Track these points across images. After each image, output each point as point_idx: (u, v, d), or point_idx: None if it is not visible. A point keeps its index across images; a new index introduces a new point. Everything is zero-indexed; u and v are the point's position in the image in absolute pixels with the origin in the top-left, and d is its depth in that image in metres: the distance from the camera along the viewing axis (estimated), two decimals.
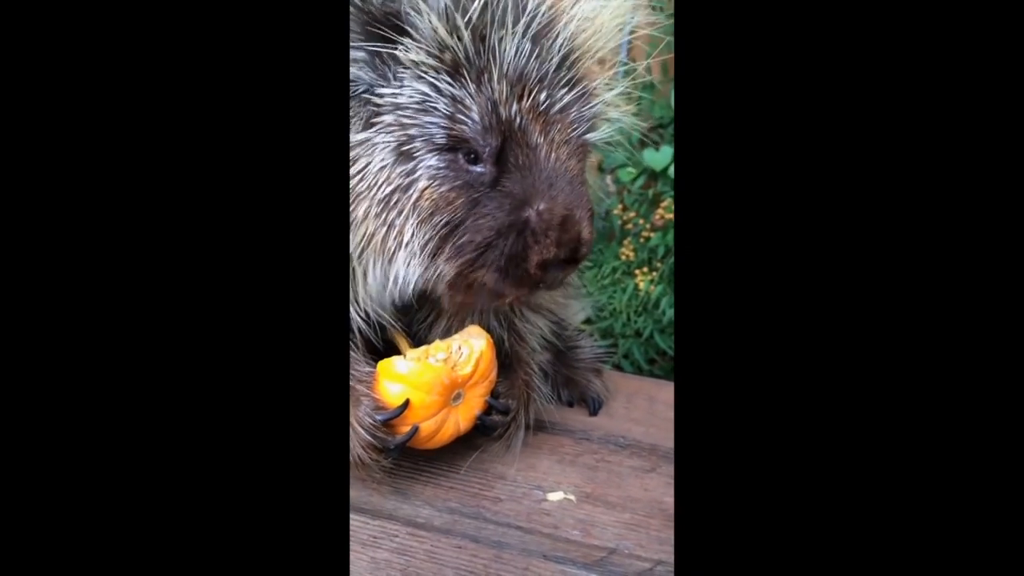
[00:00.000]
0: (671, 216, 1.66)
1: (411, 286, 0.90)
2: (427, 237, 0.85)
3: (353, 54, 0.82)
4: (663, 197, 1.69)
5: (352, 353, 0.93)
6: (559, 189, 0.82)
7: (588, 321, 1.58)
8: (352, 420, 0.90)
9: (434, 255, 0.86)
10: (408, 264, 0.87)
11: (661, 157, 1.67)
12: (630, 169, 1.70)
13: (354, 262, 0.89)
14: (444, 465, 1.04)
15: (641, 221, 1.70)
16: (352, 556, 0.88)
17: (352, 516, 0.94)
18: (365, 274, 0.90)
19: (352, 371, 0.92)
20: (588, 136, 0.88)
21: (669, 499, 0.99)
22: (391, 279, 0.89)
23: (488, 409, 0.99)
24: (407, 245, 0.85)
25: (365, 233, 0.86)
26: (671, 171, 1.64)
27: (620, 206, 1.71)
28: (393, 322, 0.97)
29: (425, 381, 0.92)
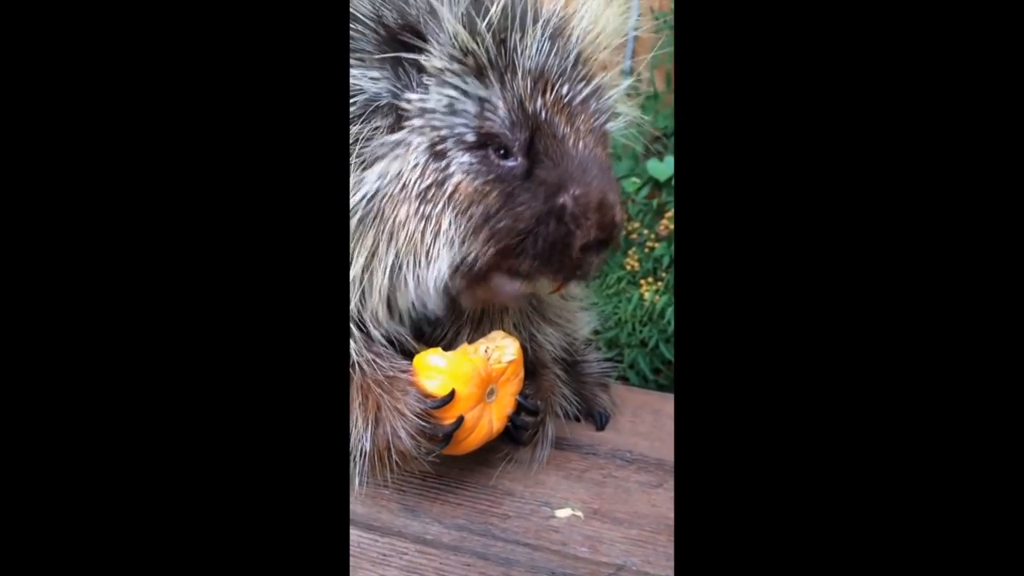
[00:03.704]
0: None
1: (446, 278, 0.89)
2: (463, 227, 0.86)
3: (371, 72, 0.85)
4: (667, 207, 1.69)
5: (387, 349, 0.94)
6: (592, 175, 0.85)
7: (594, 331, 1.59)
8: (401, 408, 0.90)
9: (472, 239, 0.87)
10: (446, 251, 0.87)
11: (665, 167, 1.68)
12: (634, 179, 1.71)
13: (383, 279, 0.90)
14: (453, 482, 1.05)
15: (646, 231, 1.71)
16: (362, 574, 0.89)
17: (362, 534, 0.95)
18: (406, 282, 0.90)
19: (392, 364, 0.93)
20: (609, 126, 0.92)
21: None
22: (427, 277, 0.89)
23: (518, 409, 0.99)
24: (445, 233, 0.87)
25: (405, 235, 0.87)
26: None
27: (624, 216, 1.71)
28: (413, 341, 0.98)
29: (464, 372, 0.92)
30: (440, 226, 0.86)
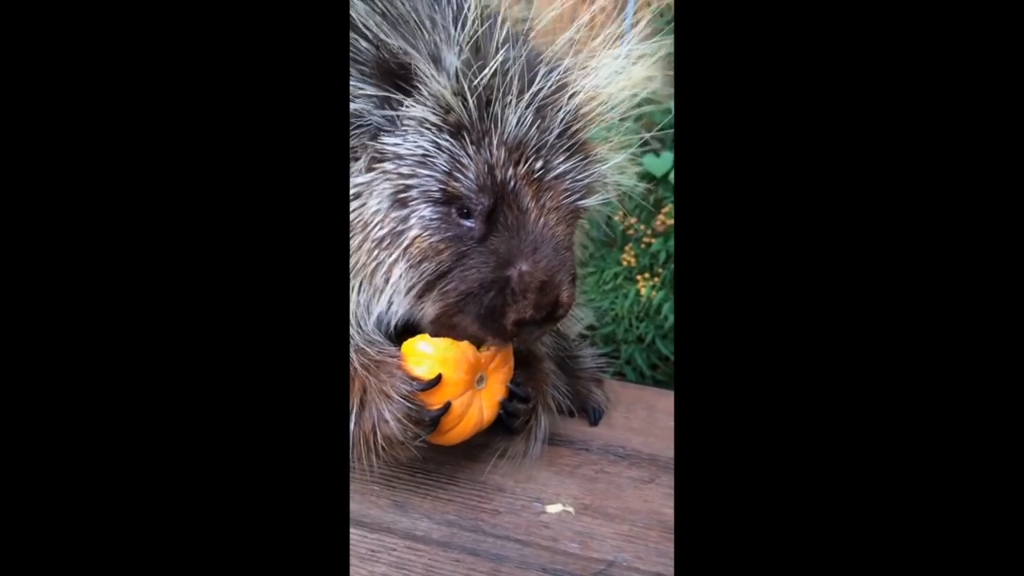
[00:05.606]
0: (672, 222, 1.66)
1: (392, 321, 0.92)
2: (413, 281, 0.87)
3: (363, 88, 0.85)
4: (664, 203, 1.68)
5: (376, 336, 0.94)
6: (543, 254, 0.85)
7: (590, 327, 1.58)
8: (387, 390, 0.89)
9: (420, 297, 0.88)
10: (392, 302, 0.89)
11: (662, 163, 1.66)
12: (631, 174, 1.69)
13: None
14: (443, 477, 1.04)
15: (642, 227, 1.70)
16: (351, 571, 0.89)
17: (351, 530, 0.95)
18: (358, 302, 0.91)
19: (381, 349, 0.93)
20: (583, 202, 0.91)
21: (668, 510, 0.99)
22: (375, 311, 0.91)
23: (509, 396, 0.98)
24: (394, 284, 0.88)
25: (356, 263, 0.88)
26: (672, 177, 1.64)
27: (621, 212, 1.70)
28: (383, 341, 0.97)
29: (451, 357, 0.92)
30: (391, 275, 0.88)
